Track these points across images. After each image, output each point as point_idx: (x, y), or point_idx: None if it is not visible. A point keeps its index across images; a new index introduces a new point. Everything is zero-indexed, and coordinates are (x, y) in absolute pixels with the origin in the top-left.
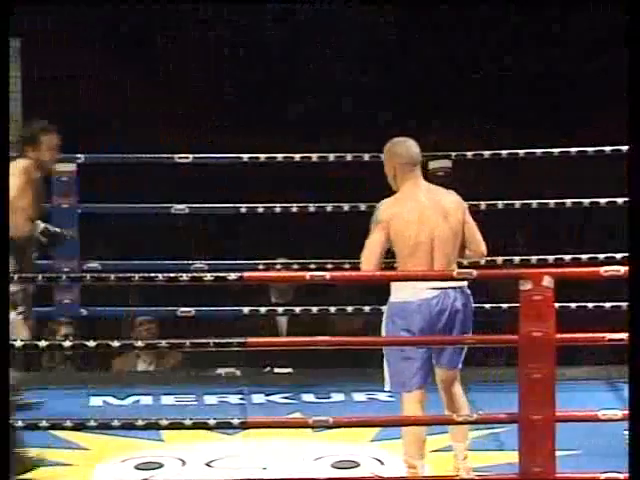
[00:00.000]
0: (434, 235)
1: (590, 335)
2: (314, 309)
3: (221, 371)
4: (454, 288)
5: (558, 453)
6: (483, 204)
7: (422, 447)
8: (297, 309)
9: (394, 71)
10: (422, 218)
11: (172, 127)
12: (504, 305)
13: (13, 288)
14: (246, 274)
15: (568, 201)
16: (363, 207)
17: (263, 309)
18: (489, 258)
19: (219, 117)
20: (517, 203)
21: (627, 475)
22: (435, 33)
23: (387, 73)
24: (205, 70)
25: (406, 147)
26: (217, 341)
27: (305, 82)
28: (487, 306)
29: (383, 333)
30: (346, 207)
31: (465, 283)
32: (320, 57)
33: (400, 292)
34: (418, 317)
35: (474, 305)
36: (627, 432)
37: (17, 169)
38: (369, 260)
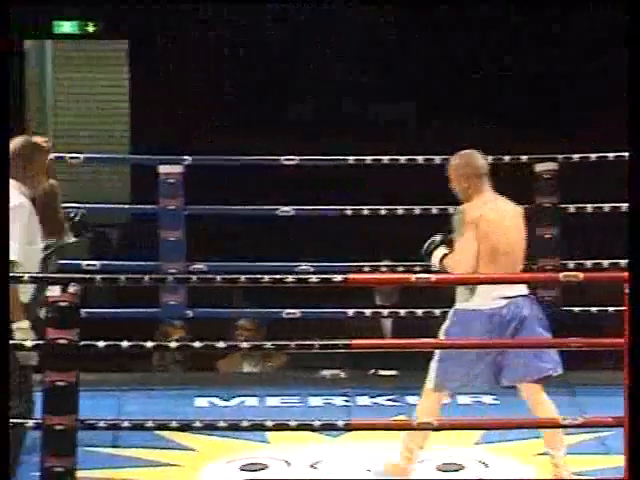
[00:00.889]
0: (512, 242)
1: None
2: (419, 312)
3: (326, 373)
4: (522, 296)
5: None
6: (589, 207)
7: (426, 438)
8: (402, 311)
9: (394, 71)
10: (504, 224)
11: (172, 127)
12: (610, 308)
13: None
14: (351, 276)
15: None
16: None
17: (368, 311)
18: (595, 261)
19: (219, 117)
20: (623, 206)
21: None
22: (435, 33)
23: (387, 73)
24: (205, 70)
25: (476, 158)
26: (322, 343)
27: (305, 82)
28: (593, 309)
29: (442, 336)
30: (451, 209)
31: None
32: (320, 57)
33: (471, 299)
34: (487, 325)
35: (581, 308)
36: None
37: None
38: (467, 261)
